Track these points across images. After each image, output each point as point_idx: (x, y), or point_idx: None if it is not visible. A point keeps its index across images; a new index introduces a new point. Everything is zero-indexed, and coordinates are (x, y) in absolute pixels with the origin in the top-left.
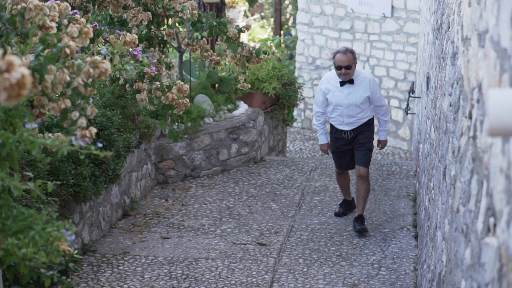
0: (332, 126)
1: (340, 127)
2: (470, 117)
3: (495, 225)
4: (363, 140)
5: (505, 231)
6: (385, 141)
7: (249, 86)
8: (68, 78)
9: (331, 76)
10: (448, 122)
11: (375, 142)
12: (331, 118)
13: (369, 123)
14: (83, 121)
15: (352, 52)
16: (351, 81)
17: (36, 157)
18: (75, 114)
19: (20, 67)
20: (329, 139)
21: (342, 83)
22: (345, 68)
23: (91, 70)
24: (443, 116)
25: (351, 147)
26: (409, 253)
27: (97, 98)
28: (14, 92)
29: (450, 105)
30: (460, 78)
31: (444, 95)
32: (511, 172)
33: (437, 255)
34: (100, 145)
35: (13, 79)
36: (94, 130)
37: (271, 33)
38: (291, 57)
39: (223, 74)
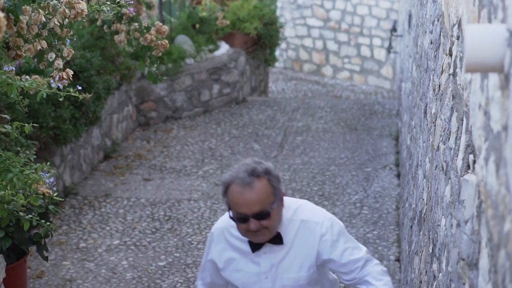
0: None
1: None
2: (450, 54)
3: (474, 162)
4: None
5: (483, 167)
6: None
7: (228, 22)
8: (43, 19)
9: (232, 224)
10: (429, 60)
11: None
12: None
13: None
14: (59, 63)
15: (267, 174)
16: (275, 239)
17: (14, 99)
18: (51, 56)
19: None
20: None
21: (255, 245)
22: (256, 218)
23: (66, 11)
24: (424, 54)
25: None
26: (391, 192)
27: (75, 39)
28: None
29: (431, 43)
30: (440, 15)
31: (425, 32)
32: (489, 108)
33: (418, 194)
34: (79, 87)
35: None
36: (71, 71)
37: None
38: None
39: (203, 14)
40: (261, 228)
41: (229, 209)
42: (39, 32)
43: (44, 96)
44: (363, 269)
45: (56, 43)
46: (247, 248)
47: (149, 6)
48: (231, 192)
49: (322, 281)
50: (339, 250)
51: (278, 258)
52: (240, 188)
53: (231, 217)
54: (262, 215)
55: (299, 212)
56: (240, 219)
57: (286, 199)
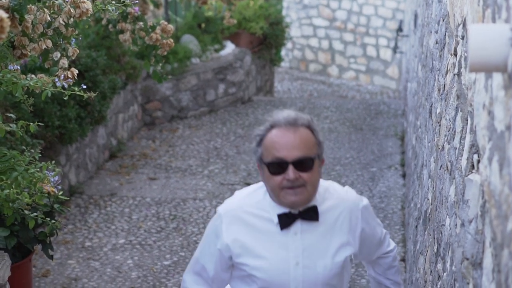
0: None
1: None
2: (455, 54)
3: (478, 162)
4: None
5: (487, 167)
6: None
7: (235, 21)
8: (48, 18)
9: (249, 203)
10: (434, 59)
11: None
12: None
13: None
14: (64, 62)
15: (310, 126)
16: (310, 213)
17: (19, 98)
18: (56, 55)
19: None
20: None
21: (285, 220)
22: (296, 167)
23: (72, 10)
24: (429, 54)
25: None
26: (397, 192)
27: (80, 39)
28: None
29: (436, 43)
30: (446, 15)
31: (431, 32)
32: (493, 108)
33: (423, 193)
34: (84, 87)
35: None
36: (75, 70)
37: None
38: None
39: (209, 13)
40: (299, 183)
41: (261, 161)
42: (44, 31)
43: (49, 95)
44: (384, 252)
45: (61, 42)
46: (271, 226)
47: (157, 5)
48: (270, 136)
49: (344, 273)
50: (377, 232)
51: (312, 239)
52: (282, 130)
53: (265, 164)
54: (303, 163)
55: (332, 191)
56: (276, 167)
57: (325, 181)
